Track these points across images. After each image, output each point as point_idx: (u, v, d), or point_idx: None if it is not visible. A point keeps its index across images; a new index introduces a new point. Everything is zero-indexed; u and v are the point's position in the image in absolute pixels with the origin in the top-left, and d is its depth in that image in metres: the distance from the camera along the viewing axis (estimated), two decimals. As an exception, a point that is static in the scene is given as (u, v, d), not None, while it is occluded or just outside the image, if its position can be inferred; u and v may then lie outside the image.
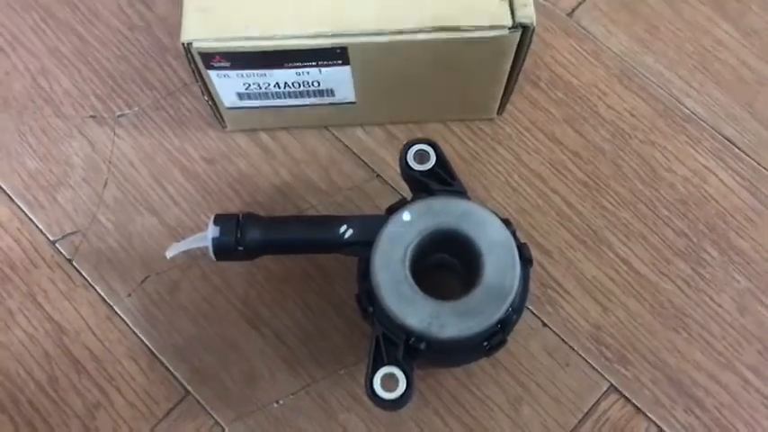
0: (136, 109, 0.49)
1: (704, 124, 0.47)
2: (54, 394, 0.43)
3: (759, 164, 0.46)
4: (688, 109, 0.48)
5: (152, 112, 0.48)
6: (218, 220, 0.39)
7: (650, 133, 0.47)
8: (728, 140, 0.47)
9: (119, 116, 0.48)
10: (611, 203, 0.46)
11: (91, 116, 0.48)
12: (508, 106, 0.47)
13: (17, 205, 0.47)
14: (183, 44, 0.38)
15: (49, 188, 0.47)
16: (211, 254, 0.39)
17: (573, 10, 0.50)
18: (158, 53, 0.50)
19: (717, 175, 0.46)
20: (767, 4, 0.50)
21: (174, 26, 0.50)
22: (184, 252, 0.41)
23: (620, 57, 0.49)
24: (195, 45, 0.38)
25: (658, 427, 0.41)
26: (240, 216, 0.39)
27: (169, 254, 0.40)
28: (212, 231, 0.38)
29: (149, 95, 0.49)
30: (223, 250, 0.39)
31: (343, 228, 0.39)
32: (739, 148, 0.47)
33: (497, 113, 0.47)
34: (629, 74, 0.49)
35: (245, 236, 0.39)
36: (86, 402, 0.42)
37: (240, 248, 0.39)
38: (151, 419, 0.42)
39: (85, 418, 0.42)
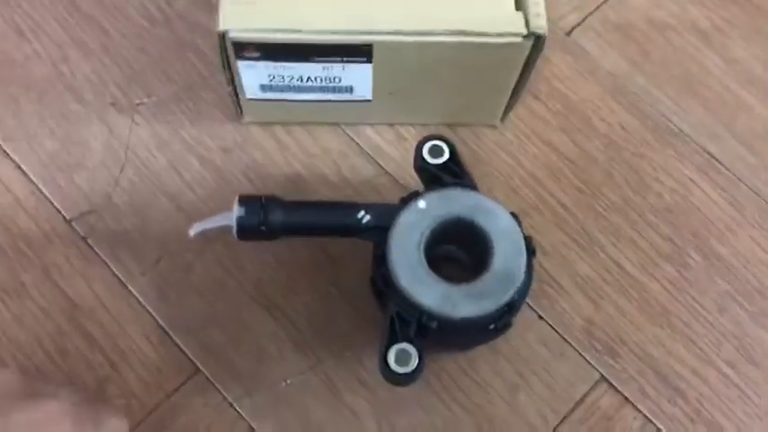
0: (155, 99, 0.50)
1: (689, 140, 0.51)
2: (64, 366, 0.44)
3: (739, 179, 0.50)
4: (675, 126, 0.52)
5: (171, 102, 0.50)
6: (243, 200, 0.41)
7: (640, 146, 0.51)
8: (712, 156, 0.51)
9: (138, 104, 0.50)
10: (603, 208, 0.49)
11: (111, 103, 0.50)
12: (510, 115, 0.50)
13: (34, 184, 0.48)
14: (218, 32, 0.40)
15: (67, 169, 0.48)
16: (235, 233, 0.41)
17: (572, 29, 0.54)
18: (178, 47, 0.52)
19: (700, 187, 0.50)
20: (748, 37, 0.54)
21: (194, 23, 0.53)
22: (203, 232, 0.42)
23: (613, 75, 0.53)
24: (231, 34, 0.40)
25: (644, 416, 0.44)
26: (263, 198, 0.41)
27: (192, 231, 0.41)
28: (237, 211, 0.40)
29: (168, 87, 0.51)
30: (247, 230, 0.40)
31: (362, 213, 0.41)
32: (721, 164, 0.51)
33: (500, 120, 0.50)
34: (621, 91, 0.52)
35: (268, 217, 0.41)
36: (97, 375, 0.43)
37: (263, 228, 0.40)
38: (160, 394, 0.43)
39: (95, 390, 0.43)
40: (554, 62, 0.53)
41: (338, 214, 0.42)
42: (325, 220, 0.42)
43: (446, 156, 0.42)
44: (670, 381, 0.45)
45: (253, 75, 0.44)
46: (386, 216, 0.41)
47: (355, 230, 0.41)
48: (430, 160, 0.42)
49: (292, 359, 0.44)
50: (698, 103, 0.52)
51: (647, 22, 0.55)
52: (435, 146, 0.43)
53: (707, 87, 0.53)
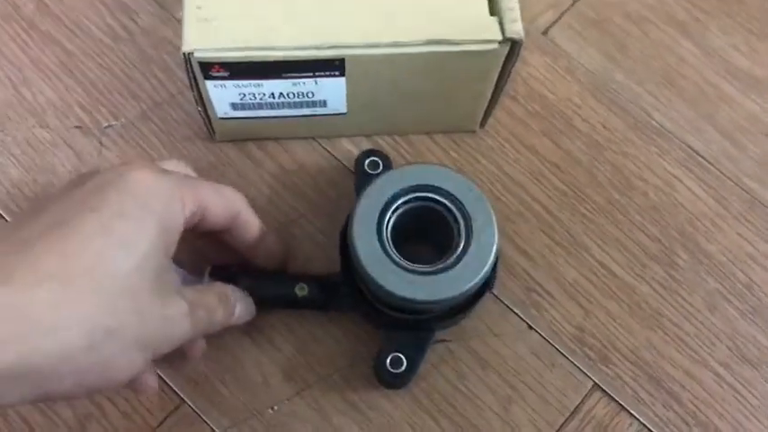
0: (123, 120, 0.49)
1: (671, 136, 0.50)
2: (44, 405, 0.42)
3: (722, 173, 0.50)
4: (656, 122, 0.51)
5: (139, 123, 0.49)
6: (213, 271, 0.42)
7: (622, 145, 0.50)
8: (694, 151, 0.50)
9: (105, 127, 0.48)
10: (588, 210, 0.48)
11: (76, 127, 0.48)
12: (489, 120, 0.49)
13: (1, 216, 0.46)
14: (183, 54, 0.38)
15: (34, 198, 0.46)
16: None
17: (547, 29, 0.53)
18: (143, 64, 0.50)
19: (685, 184, 0.49)
20: (724, 26, 0.54)
21: (159, 38, 0.51)
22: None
23: (592, 73, 0.52)
24: (196, 55, 0.38)
25: (640, 422, 0.43)
26: (232, 270, 0.42)
27: None
28: (207, 281, 0.41)
29: (135, 106, 0.49)
30: None
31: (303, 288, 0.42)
32: (704, 158, 0.50)
33: (480, 126, 0.49)
34: (601, 89, 0.51)
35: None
36: (77, 413, 0.42)
37: None
38: (146, 429, 0.42)
39: (76, 429, 0.42)
40: (531, 63, 0.52)
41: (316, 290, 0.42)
42: (297, 297, 0.42)
43: (381, 168, 0.45)
44: (664, 384, 0.44)
45: (222, 94, 0.42)
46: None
47: (331, 305, 0.43)
48: (370, 172, 0.44)
49: (278, 385, 0.43)
50: (678, 97, 0.52)
51: (623, 16, 0.54)
52: (373, 160, 0.45)
53: (686, 80, 0.52)
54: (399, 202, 0.40)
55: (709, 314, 0.46)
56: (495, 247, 0.39)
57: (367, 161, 0.45)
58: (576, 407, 0.43)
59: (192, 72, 0.40)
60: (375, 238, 0.39)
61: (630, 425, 0.43)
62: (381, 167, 0.45)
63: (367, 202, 0.40)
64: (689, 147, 0.50)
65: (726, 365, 0.45)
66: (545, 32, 0.53)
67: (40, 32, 0.51)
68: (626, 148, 0.50)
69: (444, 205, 0.40)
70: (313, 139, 0.49)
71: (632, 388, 0.44)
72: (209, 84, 0.41)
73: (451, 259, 0.39)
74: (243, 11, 0.39)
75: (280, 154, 0.48)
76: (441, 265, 0.39)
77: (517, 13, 0.40)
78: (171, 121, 0.49)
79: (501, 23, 0.40)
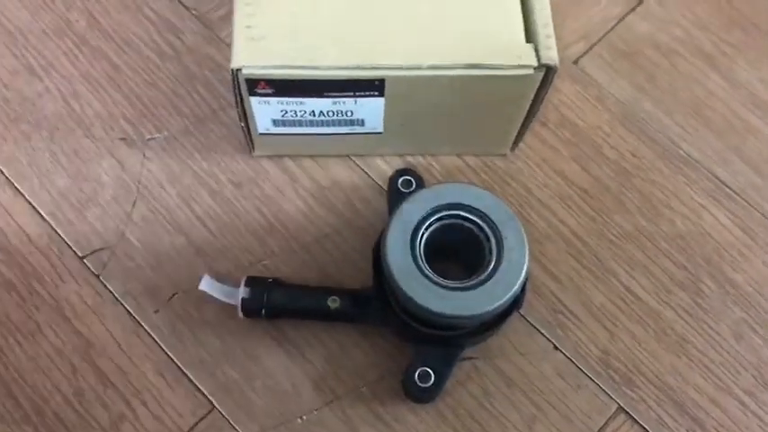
0: (165, 133, 0.50)
1: (699, 166, 0.51)
2: (79, 406, 0.43)
3: (749, 203, 0.50)
4: (684, 152, 0.52)
5: (181, 136, 0.50)
6: (249, 282, 0.43)
7: (650, 173, 0.51)
8: (721, 181, 0.51)
9: (148, 140, 0.50)
10: (615, 236, 0.49)
11: (121, 138, 0.50)
12: (520, 144, 0.50)
13: (47, 222, 0.48)
14: (231, 70, 0.40)
15: (79, 206, 0.48)
16: (240, 313, 0.43)
17: (578, 58, 0.54)
18: (187, 81, 0.52)
19: (712, 213, 0.50)
20: (752, 59, 0.55)
21: (204, 56, 0.53)
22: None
23: (621, 102, 0.53)
24: (244, 71, 0.40)
25: (664, 446, 0.44)
26: (268, 281, 0.44)
27: (202, 287, 0.43)
28: (243, 292, 0.42)
29: (179, 121, 0.51)
30: (250, 311, 0.43)
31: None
32: (731, 189, 0.51)
33: (510, 150, 0.50)
34: (630, 118, 0.53)
35: (270, 302, 0.43)
36: (111, 415, 0.43)
37: (263, 312, 0.43)
38: (176, 432, 0.43)
39: (110, 430, 0.43)
40: (562, 90, 0.53)
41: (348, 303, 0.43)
42: (329, 309, 0.43)
43: (414, 187, 0.47)
44: (688, 410, 0.44)
45: (265, 110, 0.44)
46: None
47: (362, 318, 0.43)
48: (403, 191, 0.46)
49: (308, 395, 0.44)
50: (706, 128, 0.53)
51: (653, 48, 0.55)
52: (406, 179, 0.47)
53: (714, 111, 0.53)
54: (433, 219, 0.41)
55: (734, 342, 0.46)
56: (525, 266, 0.40)
57: (400, 180, 0.47)
58: (600, 429, 0.44)
59: (239, 88, 0.42)
60: (408, 253, 0.40)
61: (654, 449, 0.44)
62: (414, 186, 0.46)
63: (401, 218, 0.41)
64: (716, 177, 0.51)
65: (750, 394, 0.45)
66: (576, 62, 0.54)
67: (90, 47, 0.53)
68: (654, 177, 0.51)
69: (477, 224, 0.41)
70: (348, 157, 0.50)
71: (656, 412, 0.44)
72: (254, 100, 0.43)
73: (483, 276, 0.40)
74: (290, 31, 0.41)
75: (315, 170, 0.50)
76: (472, 282, 0.40)
77: (552, 41, 0.41)
78: (212, 135, 0.51)
79: (536, 50, 0.41)
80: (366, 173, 0.50)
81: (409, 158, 0.51)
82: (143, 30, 0.54)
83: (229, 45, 0.41)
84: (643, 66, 0.54)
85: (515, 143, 0.50)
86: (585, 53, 0.55)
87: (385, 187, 0.49)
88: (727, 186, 0.51)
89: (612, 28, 0.56)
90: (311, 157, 0.50)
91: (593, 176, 0.51)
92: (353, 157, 0.50)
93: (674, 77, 0.54)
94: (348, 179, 0.50)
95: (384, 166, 0.50)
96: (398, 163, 0.50)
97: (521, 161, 0.51)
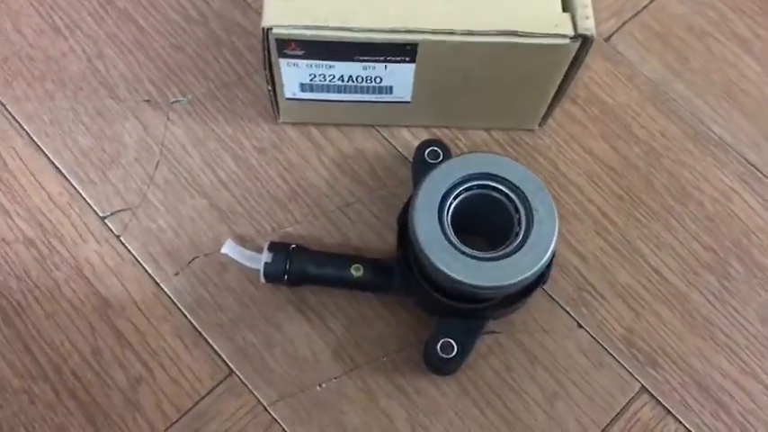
0: (190, 96, 0.50)
1: (729, 149, 0.50)
2: (97, 366, 0.43)
3: (780, 189, 0.49)
4: (715, 134, 0.51)
5: (206, 101, 0.50)
6: (272, 247, 0.42)
7: (680, 154, 0.50)
8: (752, 165, 0.50)
9: (173, 102, 0.50)
10: (643, 216, 0.48)
11: (145, 100, 0.50)
12: (549, 120, 0.49)
13: (68, 181, 0.47)
14: (262, 29, 0.40)
15: (101, 166, 0.48)
16: (262, 277, 0.42)
17: (610, 35, 0.54)
18: (214, 46, 0.52)
19: (741, 196, 0.49)
20: (788, 44, 0.54)
21: (231, 21, 0.52)
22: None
23: (652, 82, 0.52)
24: (275, 30, 0.39)
25: (686, 428, 0.43)
26: (291, 247, 0.43)
27: (224, 250, 0.43)
28: (266, 256, 0.42)
29: (204, 85, 0.50)
30: (272, 277, 0.43)
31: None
32: (762, 173, 0.50)
33: (539, 125, 0.50)
34: (661, 98, 0.52)
35: (293, 267, 0.42)
36: (129, 376, 0.43)
37: (286, 278, 0.43)
38: (194, 396, 0.42)
39: (128, 391, 0.42)
40: (592, 68, 0.52)
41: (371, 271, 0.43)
42: (352, 277, 0.43)
43: (441, 158, 0.45)
44: (713, 393, 0.44)
45: (294, 73, 0.43)
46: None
47: (384, 288, 0.43)
48: (430, 161, 0.45)
49: (327, 363, 0.43)
50: (738, 111, 0.52)
51: (686, 29, 0.54)
52: (433, 150, 0.46)
53: (746, 95, 0.52)
54: (461, 188, 0.40)
55: (761, 326, 0.45)
56: (555, 238, 0.39)
57: (427, 150, 0.46)
58: (623, 408, 0.43)
59: (268, 48, 0.41)
60: (436, 222, 0.39)
61: (677, 430, 0.43)
62: (441, 157, 0.46)
63: (429, 187, 0.40)
64: (746, 160, 0.50)
65: (777, 379, 0.44)
66: (607, 39, 0.53)
67: (117, 9, 0.52)
68: (683, 158, 0.50)
69: (506, 194, 0.40)
70: (373, 127, 0.50)
71: (680, 394, 0.44)
72: (283, 62, 0.42)
73: (511, 247, 0.39)
74: (323, -8, 0.40)
75: (340, 139, 0.49)
76: (500, 252, 0.39)
77: (590, 10, 0.40)
78: (237, 101, 0.50)
79: (573, 20, 0.40)
80: (391, 143, 0.49)
81: (435, 130, 0.50)
82: (170, -7, 0.53)
83: (257, 11, 0.40)
84: (675, 46, 0.53)
85: (544, 118, 0.49)
86: (617, 31, 0.54)
87: (410, 158, 0.49)
88: (757, 170, 0.50)
89: (645, 6, 0.55)
90: (336, 125, 0.49)
91: (622, 155, 0.50)
92: (378, 128, 0.50)
93: (707, 59, 0.53)
94: (372, 149, 0.49)
95: (409, 137, 0.50)
96: (424, 134, 0.50)
97: (548, 137, 0.50)
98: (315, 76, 0.43)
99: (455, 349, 0.41)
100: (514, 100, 0.47)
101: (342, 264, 0.43)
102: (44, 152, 0.48)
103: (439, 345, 0.41)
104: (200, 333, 0.44)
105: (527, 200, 0.40)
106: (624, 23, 0.54)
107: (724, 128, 0.51)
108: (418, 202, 0.40)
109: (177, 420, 0.42)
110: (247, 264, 0.43)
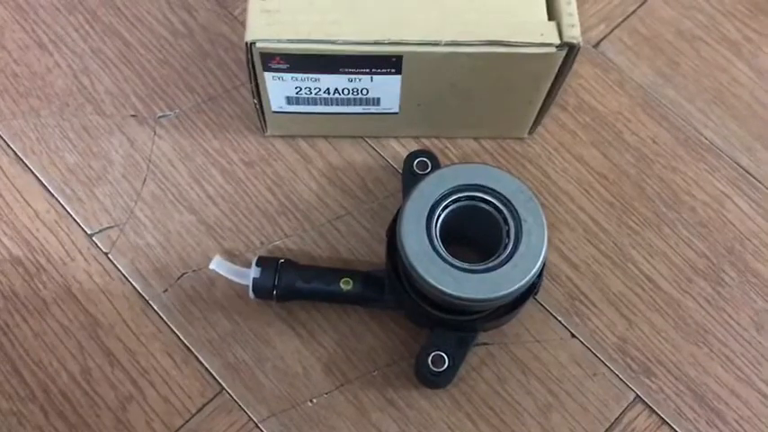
0: (177, 111, 0.50)
1: (722, 154, 0.50)
2: (86, 385, 0.43)
3: (773, 193, 0.49)
4: (707, 139, 0.50)
5: (193, 114, 0.50)
6: (261, 262, 0.42)
7: (671, 160, 0.50)
8: (744, 170, 0.50)
9: (159, 117, 0.49)
10: (635, 223, 0.48)
11: (132, 115, 0.49)
12: (538, 128, 0.49)
13: (55, 198, 0.47)
14: (245, 43, 0.39)
15: (88, 183, 0.47)
16: (251, 293, 0.42)
17: (599, 42, 0.53)
18: (200, 59, 0.51)
19: (734, 202, 0.49)
20: (778, 47, 0.53)
21: (217, 34, 0.52)
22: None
23: (643, 87, 0.52)
24: (258, 45, 0.39)
25: (682, 437, 0.43)
26: (280, 262, 0.42)
27: (212, 267, 0.42)
28: (254, 272, 0.41)
29: (190, 99, 0.50)
30: (261, 291, 0.42)
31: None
32: (754, 177, 0.49)
33: (528, 133, 0.49)
34: (651, 104, 0.51)
35: (281, 283, 0.42)
36: (119, 395, 0.42)
37: (275, 293, 0.42)
38: (184, 414, 0.42)
39: (117, 410, 0.42)
40: (581, 74, 0.52)
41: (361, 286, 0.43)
42: (342, 291, 0.42)
43: (429, 169, 0.45)
44: (708, 401, 0.43)
45: (280, 87, 0.43)
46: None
47: (374, 301, 0.43)
48: (418, 173, 0.44)
49: (318, 378, 0.43)
50: (729, 116, 0.51)
51: (675, 34, 0.54)
52: (422, 161, 0.45)
53: (738, 99, 0.52)
54: (449, 200, 0.40)
55: (755, 333, 0.45)
56: (544, 250, 0.39)
57: (416, 161, 0.46)
58: (617, 418, 0.43)
59: (252, 62, 0.41)
60: (424, 234, 0.39)
61: (672, 440, 0.43)
62: (430, 168, 0.45)
63: (417, 199, 0.40)
64: (739, 165, 0.50)
65: (772, 386, 0.44)
66: (596, 46, 0.53)
67: (101, 23, 0.52)
68: (675, 164, 0.50)
69: (495, 206, 0.40)
70: (362, 138, 0.49)
71: (675, 402, 0.43)
72: (268, 75, 0.42)
73: (500, 259, 0.39)
74: (306, 4, 0.40)
75: (329, 151, 0.49)
76: (490, 264, 0.38)
77: (575, 19, 0.40)
78: (224, 114, 0.50)
79: (559, 28, 0.40)
80: (380, 154, 0.49)
81: (424, 141, 0.49)
82: (155, 7, 0.53)
83: (243, 23, 0.40)
84: (665, 51, 0.53)
85: (534, 126, 0.48)
86: (606, 37, 0.53)
87: (399, 169, 0.48)
88: (750, 174, 0.50)
89: (634, 12, 0.54)
90: (324, 137, 0.49)
91: (613, 162, 0.49)
92: (368, 139, 0.49)
93: (697, 64, 0.53)
94: (362, 160, 0.49)
95: (399, 148, 0.49)
96: (413, 145, 0.49)
97: (538, 145, 0.50)
98: (301, 90, 0.43)
99: (446, 362, 0.41)
100: (503, 109, 0.46)
101: (331, 278, 0.43)
102: (30, 170, 0.48)
103: (430, 358, 0.41)
104: (189, 350, 0.43)
105: (516, 210, 0.39)
106: (613, 29, 0.54)
107: (716, 133, 0.51)
108: (406, 214, 0.39)
109: (167, 439, 0.41)
110: (236, 279, 0.42)
